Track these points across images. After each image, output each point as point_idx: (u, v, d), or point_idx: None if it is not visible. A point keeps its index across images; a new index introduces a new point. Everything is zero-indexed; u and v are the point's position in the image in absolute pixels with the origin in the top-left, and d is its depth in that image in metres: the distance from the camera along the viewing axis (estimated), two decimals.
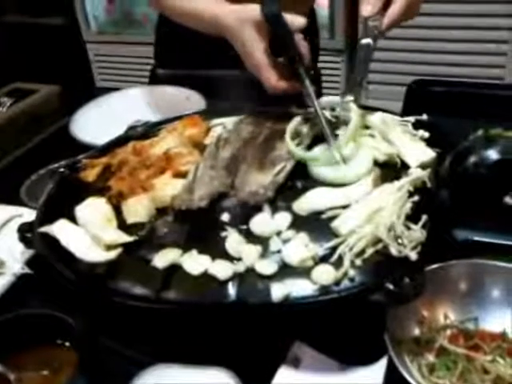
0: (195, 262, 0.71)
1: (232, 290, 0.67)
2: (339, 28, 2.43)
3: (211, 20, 0.96)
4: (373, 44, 0.89)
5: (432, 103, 1.34)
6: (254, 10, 0.88)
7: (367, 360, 0.67)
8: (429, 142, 0.87)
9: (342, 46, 2.47)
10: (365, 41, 0.89)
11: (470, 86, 1.53)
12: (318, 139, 0.88)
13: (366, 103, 0.98)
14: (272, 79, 0.88)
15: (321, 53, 2.45)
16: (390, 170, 0.82)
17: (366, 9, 0.89)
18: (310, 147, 0.88)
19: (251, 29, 0.89)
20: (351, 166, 0.82)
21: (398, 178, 0.78)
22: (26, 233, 0.82)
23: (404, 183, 0.76)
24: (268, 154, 0.86)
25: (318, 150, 0.86)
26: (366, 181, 0.78)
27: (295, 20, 0.88)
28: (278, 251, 0.71)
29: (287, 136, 0.87)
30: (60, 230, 0.78)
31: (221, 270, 0.69)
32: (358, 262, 0.67)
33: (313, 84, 0.89)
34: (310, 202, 0.76)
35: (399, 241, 0.68)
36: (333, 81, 2.51)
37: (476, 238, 0.78)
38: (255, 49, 0.89)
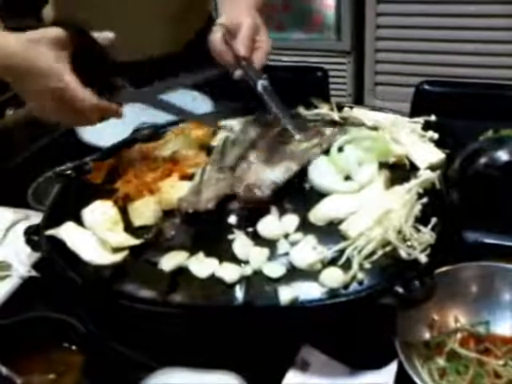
0: (202, 265, 0.70)
1: (239, 293, 0.67)
2: (346, 30, 2.42)
3: None
4: (267, 83, 0.91)
5: (440, 104, 1.33)
6: (48, 29, 0.79)
7: (377, 364, 0.66)
8: (438, 143, 0.86)
9: (348, 48, 2.46)
10: (260, 82, 0.90)
11: (478, 87, 1.52)
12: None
13: (374, 104, 0.98)
14: (95, 117, 0.83)
15: (327, 54, 2.48)
16: (399, 171, 0.81)
17: (241, 49, 0.91)
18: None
19: (52, 49, 0.77)
20: (353, 175, 0.81)
21: (407, 179, 0.77)
22: (33, 235, 0.82)
23: (413, 185, 0.75)
24: (275, 154, 0.85)
25: None
26: (377, 183, 0.77)
27: (102, 35, 0.85)
28: (286, 254, 0.70)
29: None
30: (66, 232, 0.78)
31: (228, 272, 0.68)
32: (367, 264, 0.66)
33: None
34: (326, 212, 0.75)
35: (408, 243, 0.68)
36: (340, 82, 2.50)
37: (486, 240, 0.77)
38: (58, 74, 0.77)
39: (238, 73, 0.92)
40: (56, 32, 0.79)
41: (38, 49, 0.77)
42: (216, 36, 0.93)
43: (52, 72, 0.77)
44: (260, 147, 0.88)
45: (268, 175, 0.80)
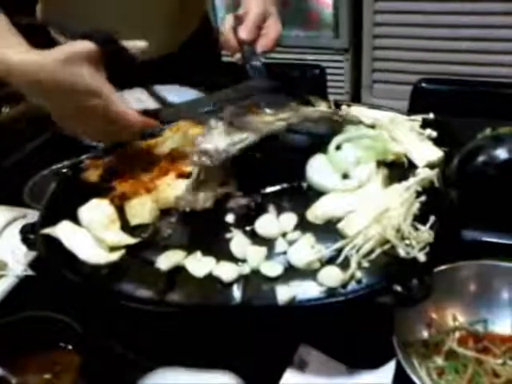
0: (199, 264, 0.70)
1: (237, 292, 0.66)
2: (343, 27, 2.42)
3: (15, 67, 0.75)
4: (261, 65, 0.94)
5: (438, 102, 1.33)
6: (79, 44, 0.77)
7: (375, 363, 0.66)
8: (436, 141, 0.86)
9: (346, 45, 2.46)
10: (254, 63, 0.93)
11: (476, 85, 1.52)
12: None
13: (371, 102, 0.98)
14: (141, 122, 0.82)
15: (325, 52, 2.48)
16: (397, 169, 0.81)
17: (243, 34, 0.94)
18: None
19: (87, 67, 0.76)
20: (351, 174, 0.80)
21: (405, 177, 0.77)
22: (29, 234, 0.81)
23: (412, 183, 0.74)
24: (239, 122, 0.82)
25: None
26: (375, 182, 0.77)
27: (134, 44, 0.85)
28: (284, 253, 0.70)
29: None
30: (63, 231, 0.77)
31: (225, 271, 0.68)
32: (365, 263, 0.66)
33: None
34: (324, 210, 0.74)
35: (407, 242, 0.67)
36: (337, 80, 2.50)
37: (485, 239, 0.76)
38: (103, 90, 0.77)
39: (237, 56, 0.94)
40: (88, 47, 0.78)
41: (73, 68, 0.75)
42: (226, 25, 0.97)
43: (89, 90, 0.76)
44: (227, 114, 0.85)
45: (222, 143, 0.78)
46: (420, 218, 0.70)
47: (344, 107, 0.97)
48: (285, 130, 0.83)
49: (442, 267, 0.71)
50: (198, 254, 0.71)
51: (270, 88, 0.90)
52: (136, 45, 0.85)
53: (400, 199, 0.72)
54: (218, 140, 0.78)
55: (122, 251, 0.73)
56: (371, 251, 0.67)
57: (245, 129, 0.81)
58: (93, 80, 0.77)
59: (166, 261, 0.70)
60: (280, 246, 0.71)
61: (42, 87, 0.76)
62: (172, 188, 0.81)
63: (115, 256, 0.72)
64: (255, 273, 0.68)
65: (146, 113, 0.83)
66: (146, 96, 0.86)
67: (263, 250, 0.70)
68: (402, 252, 0.66)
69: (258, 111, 0.86)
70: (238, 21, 0.97)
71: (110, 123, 0.80)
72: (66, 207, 0.83)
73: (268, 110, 0.86)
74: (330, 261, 0.67)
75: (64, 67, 0.75)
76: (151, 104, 0.87)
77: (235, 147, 0.78)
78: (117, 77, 0.82)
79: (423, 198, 0.73)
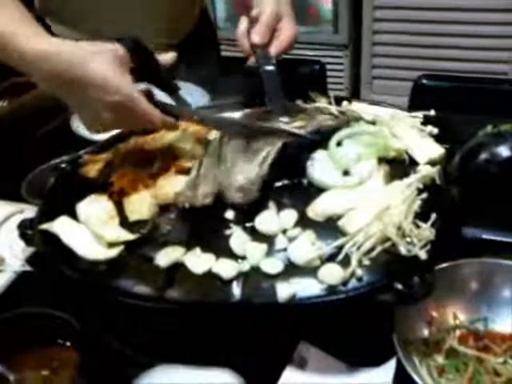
0: (199, 261, 0.69)
1: (236, 289, 0.66)
2: (343, 23, 2.41)
3: (33, 57, 0.75)
4: (274, 69, 0.93)
5: (439, 98, 1.33)
6: (106, 44, 0.78)
7: (375, 361, 0.66)
8: (437, 138, 0.85)
9: (346, 41, 2.45)
10: (268, 68, 0.92)
11: (476, 81, 1.51)
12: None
13: (371, 98, 0.97)
14: (165, 123, 0.82)
15: (324, 48, 2.46)
16: (398, 166, 0.80)
17: (256, 38, 0.94)
18: None
19: (113, 63, 0.76)
20: (352, 170, 0.80)
21: (406, 174, 0.76)
22: (27, 230, 0.80)
23: (413, 180, 0.74)
24: (252, 143, 0.82)
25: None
26: (376, 178, 0.76)
27: (166, 56, 0.86)
28: (284, 249, 0.69)
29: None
30: (61, 227, 0.77)
31: (225, 268, 0.67)
32: (366, 261, 0.66)
33: None
34: (325, 207, 0.74)
35: (408, 239, 0.67)
36: (336, 76, 2.49)
37: (486, 237, 0.76)
38: (127, 88, 0.76)
39: (251, 60, 0.94)
40: (115, 48, 0.78)
41: (96, 60, 0.75)
42: (240, 26, 0.96)
43: (108, 84, 0.75)
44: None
45: (251, 172, 0.77)
46: (421, 216, 0.70)
47: (345, 103, 0.96)
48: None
49: (443, 265, 0.71)
50: (198, 250, 0.70)
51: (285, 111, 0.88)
52: (166, 56, 0.86)
53: (401, 196, 0.71)
54: (242, 168, 0.78)
55: (121, 247, 0.72)
56: (372, 249, 0.67)
57: (260, 148, 0.80)
58: (114, 76, 0.75)
59: (165, 257, 0.70)
60: (280, 242, 0.70)
61: (58, 79, 0.75)
62: (171, 184, 0.81)
63: (114, 252, 0.72)
64: (255, 270, 0.67)
65: (166, 111, 0.82)
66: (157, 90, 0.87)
67: (263, 247, 0.69)
68: (402, 250, 0.66)
69: (272, 118, 0.86)
70: (252, 23, 0.95)
71: (133, 121, 0.80)
72: (64, 202, 0.82)
73: (283, 118, 0.85)
74: (331, 258, 0.67)
75: (87, 57, 0.74)
76: (162, 97, 0.87)
77: (265, 165, 0.78)
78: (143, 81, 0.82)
79: (424, 196, 0.73)
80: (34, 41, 0.75)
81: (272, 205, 0.76)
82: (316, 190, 0.78)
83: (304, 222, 0.73)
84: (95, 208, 0.79)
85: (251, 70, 0.95)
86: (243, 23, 0.97)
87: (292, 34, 0.96)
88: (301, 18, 2.45)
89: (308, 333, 0.69)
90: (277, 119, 0.86)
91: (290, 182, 0.80)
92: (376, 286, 0.64)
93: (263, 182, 0.77)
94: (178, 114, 0.85)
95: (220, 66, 1.45)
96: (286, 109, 0.87)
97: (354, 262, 0.65)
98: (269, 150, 0.79)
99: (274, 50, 0.94)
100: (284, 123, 0.85)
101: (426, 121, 0.89)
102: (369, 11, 2.35)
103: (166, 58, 0.86)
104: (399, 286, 0.62)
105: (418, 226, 0.69)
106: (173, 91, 0.87)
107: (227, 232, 0.73)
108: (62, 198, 0.85)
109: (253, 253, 0.69)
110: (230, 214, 0.76)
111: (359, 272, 0.64)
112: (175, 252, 0.70)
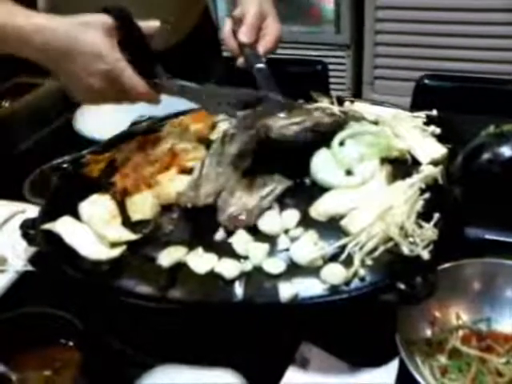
0: (201, 261, 0.69)
1: (239, 289, 0.66)
2: (345, 23, 2.41)
3: (29, 36, 0.78)
4: (266, 66, 0.93)
5: (441, 98, 1.33)
6: (95, 15, 0.81)
7: (378, 361, 0.66)
8: (440, 138, 0.85)
9: (348, 41, 2.45)
10: (259, 65, 0.92)
11: (479, 81, 1.51)
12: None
13: (373, 98, 0.97)
14: (148, 94, 0.84)
15: (326, 48, 2.47)
16: (401, 166, 0.80)
17: (243, 38, 0.94)
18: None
19: (102, 34, 0.79)
20: (355, 170, 0.80)
21: (409, 174, 0.76)
22: (29, 229, 0.80)
23: (415, 180, 0.74)
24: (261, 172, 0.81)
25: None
26: (379, 178, 0.76)
27: (148, 24, 0.87)
28: (286, 249, 0.69)
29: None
30: (63, 226, 0.77)
31: (227, 268, 0.67)
32: (369, 261, 0.66)
33: None
34: (328, 207, 0.74)
35: (411, 239, 0.67)
36: (338, 76, 2.49)
37: (489, 237, 0.76)
38: (114, 59, 0.80)
39: (240, 60, 0.94)
40: (104, 19, 0.81)
41: (87, 31, 0.79)
42: (225, 27, 0.98)
43: (101, 54, 0.79)
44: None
45: (254, 199, 0.76)
46: (424, 216, 0.70)
47: (347, 103, 0.96)
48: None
49: (446, 265, 0.71)
50: (200, 250, 0.70)
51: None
52: (149, 24, 0.87)
53: (404, 196, 0.71)
54: (241, 197, 0.77)
55: (123, 247, 0.72)
56: (375, 249, 0.66)
57: (268, 181, 0.79)
58: (105, 46, 0.79)
59: (167, 257, 0.70)
60: (282, 242, 0.70)
61: (54, 51, 0.79)
62: (173, 184, 0.81)
63: (116, 252, 0.72)
64: (257, 270, 0.67)
65: (157, 85, 0.85)
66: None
67: (265, 247, 0.69)
68: (405, 250, 0.66)
69: (270, 115, 0.85)
70: (237, 23, 0.96)
71: (120, 91, 0.82)
72: (66, 202, 0.82)
73: (281, 114, 0.85)
74: (333, 258, 0.67)
75: (78, 29, 0.79)
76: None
77: (267, 200, 0.76)
78: (130, 54, 0.84)
79: (427, 196, 0.73)
80: (31, 16, 0.80)
81: (274, 205, 0.75)
82: (318, 190, 0.78)
83: (306, 221, 0.73)
84: (97, 208, 0.79)
85: (242, 70, 0.95)
86: (228, 24, 0.98)
87: (277, 33, 0.97)
88: (303, 18, 2.48)
89: (310, 333, 0.69)
90: (273, 115, 0.85)
91: (292, 182, 0.79)
92: (379, 285, 0.64)
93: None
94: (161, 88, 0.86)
95: (222, 65, 1.45)
96: (283, 105, 0.87)
97: (356, 262, 0.65)
98: (274, 187, 0.78)
99: (261, 48, 0.95)
100: (281, 118, 0.84)
101: (429, 121, 0.89)
102: (371, 11, 2.35)
103: (149, 26, 0.87)
104: (402, 286, 0.62)
105: (420, 226, 0.68)
106: (155, 62, 0.87)
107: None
108: (65, 198, 0.85)
109: (255, 253, 0.69)
110: None
111: (362, 272, 0.64)
112: (177, 252, 0.70)
